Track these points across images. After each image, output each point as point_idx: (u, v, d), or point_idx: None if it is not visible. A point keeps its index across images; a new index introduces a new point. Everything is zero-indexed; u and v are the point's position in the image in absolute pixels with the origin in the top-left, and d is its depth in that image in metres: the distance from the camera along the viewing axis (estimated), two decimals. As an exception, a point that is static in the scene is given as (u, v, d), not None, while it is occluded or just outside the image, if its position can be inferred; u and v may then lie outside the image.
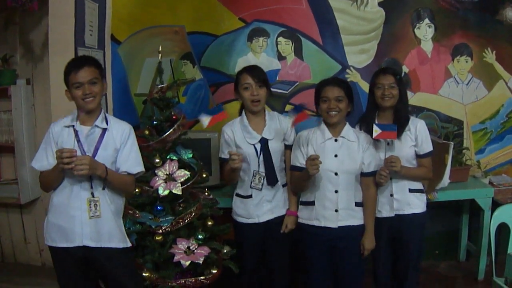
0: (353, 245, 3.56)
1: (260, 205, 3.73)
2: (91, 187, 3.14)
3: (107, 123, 3.23)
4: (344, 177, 3.49)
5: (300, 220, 3.69)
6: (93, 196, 3.15)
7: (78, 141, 3.13)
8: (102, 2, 4.71)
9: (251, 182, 3.71)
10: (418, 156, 3.71)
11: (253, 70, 3.71)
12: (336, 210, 3.50)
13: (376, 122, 3.64)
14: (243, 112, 3.78)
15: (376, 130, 3.44)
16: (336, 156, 3.51)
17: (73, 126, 3.16)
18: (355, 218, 3.56)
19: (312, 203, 3.58)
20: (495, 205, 4.37)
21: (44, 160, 3.15)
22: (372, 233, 3.60)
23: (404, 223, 3.68)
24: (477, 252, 4.82)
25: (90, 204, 3.14)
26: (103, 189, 3.17)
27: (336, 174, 3.49)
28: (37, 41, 4.84)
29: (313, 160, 3.28)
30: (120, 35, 5.03)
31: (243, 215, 3.78)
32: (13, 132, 4.76)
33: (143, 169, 3.36)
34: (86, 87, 3.07)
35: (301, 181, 3.56)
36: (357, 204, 3.57)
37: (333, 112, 3.47)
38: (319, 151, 3.50)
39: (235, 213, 3.83)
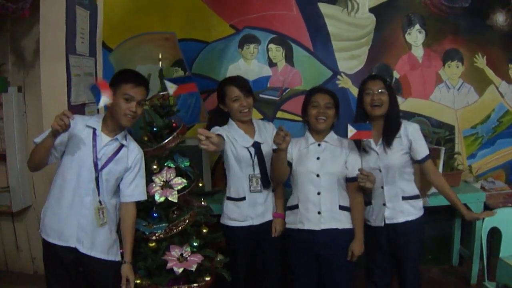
0: (339, 253, 3.54)
1: (254, 207, 3.76)
2: (98, 195, 3.18)
3: (125, 140, 3.29)
4: (326, 178, 3.52)
5: (286, 225, 3.72)
6: (100, 204, 3.18)
7: (94, 146, 3.16)
8: (93, 9, 4.71)
9: (250, 186, 3.74)
10: (417, 162, 3.65)
11: (239, 82, 3.76)
12: (319, 212, 3.51)
13: None
14: (231, 121, 3.81)
15: (351, 130, 3.35)
16: (318, 158, 3.56)
17: (95, 129, 3.19)
18: (339, 221, 3.55)
19: (296, 207, 3.61)
20: (487, 209, 4.38)
21: (44, 135, 3.09)
22: (361, 239, 3.59)
23: (399, 232, 3.62)
24: (469, 256, 4.83)
25: (98, 212, 3.18)
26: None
27: (318, 175, 3.52)
28: (28, 49, 4.83)
29: (281, 131, 3.24)
30: (111, 42, 5.03)
31: (237, 219, 3.79)
32: (4, 140, 4.74)
33: (146, 197, 3.45)
34: (134, 105, 3.14)
35: (276, 162, 3.52)
36: (341, 208, 3.57)
37: (321, 118, 3.53)
38: (302, 155, 3.60)
39: (228, 217, 3.83)
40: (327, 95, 3.61)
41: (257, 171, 3.75)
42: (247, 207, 3.76)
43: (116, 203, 3.33)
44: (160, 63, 3.87)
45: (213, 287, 3.71)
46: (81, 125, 3.18)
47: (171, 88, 3.41)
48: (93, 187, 3.16)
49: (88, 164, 3.14)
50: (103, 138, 3.20)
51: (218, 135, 3.32)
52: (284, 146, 3.28)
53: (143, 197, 3.39)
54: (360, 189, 3.59)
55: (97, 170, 3.16)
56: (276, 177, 3.67)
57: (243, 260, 3.86)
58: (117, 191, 3.33)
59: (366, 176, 3.43)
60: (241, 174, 3.76)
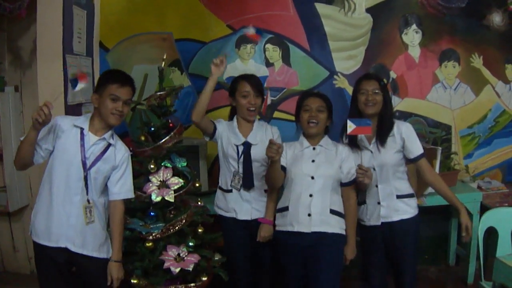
0: (326, 252, 3.51)
1: (239, 202, 3.83)
2: (87, 193, 3.19)
3: (112, 139, 3.30)
4: (321, 181, 3.52)
5: (276, 228, 3.71)
6: (88, 203, 3.20)
7: (82, 145, 3.17)
8: (90, 9, 4.71)
9: (231, 182, 3.82)
10: (410, 161, 3.66)
11: (253, 79, 3.82)
12: (309, 215, 3.50)
13: None
14: (235, 118, 3.88)
15: (350, 126, 3.40)
16: (313, 161, 3.56)
17: (83, 129, 3.20)
18: (329, 225, 3.53)
19: (286, 209, 3.61)
20: (484, 209, 4.39)
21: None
22: (354, 242, 3.62)
23: (395, 230, 3.64)
24: (466, 256, 4.84)
25: (86, 211, 3.19)
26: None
27: (312, 178, 3.52)
28: (25, 48, 4.81)
29: (273, 145, 3.29)
30: (108, 42, 5.03)
31: (223, 208, 3.91)
32: (1, 140, 4.71)
33: (133, 195, 3.46)
34: (121, 105, 3.17)
35: (270, 171, 3.54)
36: (332, 212, 3.55)
37: (313, 122, 3.53)
38: (297, 157, 3.60)
39: (217, 206, 3.96)
40: (319, 98, 3.62)
41: (241, 170, 3.80)
42: (232, 200, 3.84)
43: (104, 201, 3.35)
44: (163, 63, 3.86)
45: (210, 287, 3.72)
46: (69, 125, 3.20)
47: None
48: (82, 186, 3.17)
49: (76, 163, 3.16)
50: (91, 138, 3.21)
51: None
52: (277, 158, 3.34)
53: (130, 194, 3.41)
54: (355, 190, 3.63)
55: (86, 169, 3.17)
56: (271, 183, 3.67)
57: (238, 251, 3.91)
58: (105, 190, 3.35)
59: (365, 171, 3.44)
60: (230, 168, 3.85)
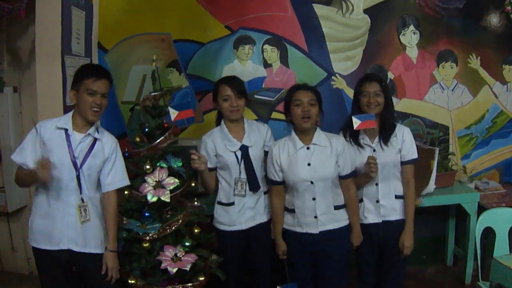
0: (335, 247, 3.56)
1: (243, 212, 3.76)
2: (80, 192, 3.20)
3: (98, 133, 3.30)
4: (320, 184, 3.51)
5: (284, 226, 3.69)
6: (82, 202, 3.21)
7: (69, 146, 3.18)
8: (89, 10, 4.71)
9: (234, 190, 3.74)
10: (402, 163, 3.71)
11: (232, 82, 3.76)
12: (316, 217, 3.52)
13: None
14: (222, 121, 3.82)
15: (356, 122, 3.44)
16: (309, 164, 3.52)
17: (66, 130, 3.20)
18: (335, 221, 3.57)
19: (293, 211, 3.61)
20: (481, 209, 4.39)
21: (25, 156, 3.14)
22: (359, 230, 3.64)
23: (390, 228, 3.70)
24: (464, 256, 4.85)
25: (80, 210, 3.20)
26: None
27: (311, 182, 3.51)
28: (24, 49, 4.83)
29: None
30: (107, 43, 5.02)
31: (225, 223, 3.80)
32: (0, 140, 4.73)
33: (128, 182, 3.47)
34: (98, 98, 3.16)
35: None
36: (336, 208, 3.58)
37: (306, 118, 3.48)
38: (292, 162, 3.56)
39: (217, 221, 3.85)
40: (309, 92, 3.56)
41: (244, 175, 3.75)
42: (236, 212, 3.76)
43: (100, 196, 3.37)
44: (154, 64, 3.86)
45: (207, 287, 3.73)
46: (52, 129, 3.21)
47: (173, 114, 3.50)
48: (75, 185, 3.20)
49: (67, 165, 3.17)
50: (76, 136, 3.22)
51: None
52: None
53: (124, 182, 3.44)
54: (353, 183, 3.64)
55: (77, 168, 3.20)
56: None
57: (234, 261, 3.88)
58: (100, 184, 3.37)
59: (376, 163, 3.47)
60: (230, 179, 3.78)
